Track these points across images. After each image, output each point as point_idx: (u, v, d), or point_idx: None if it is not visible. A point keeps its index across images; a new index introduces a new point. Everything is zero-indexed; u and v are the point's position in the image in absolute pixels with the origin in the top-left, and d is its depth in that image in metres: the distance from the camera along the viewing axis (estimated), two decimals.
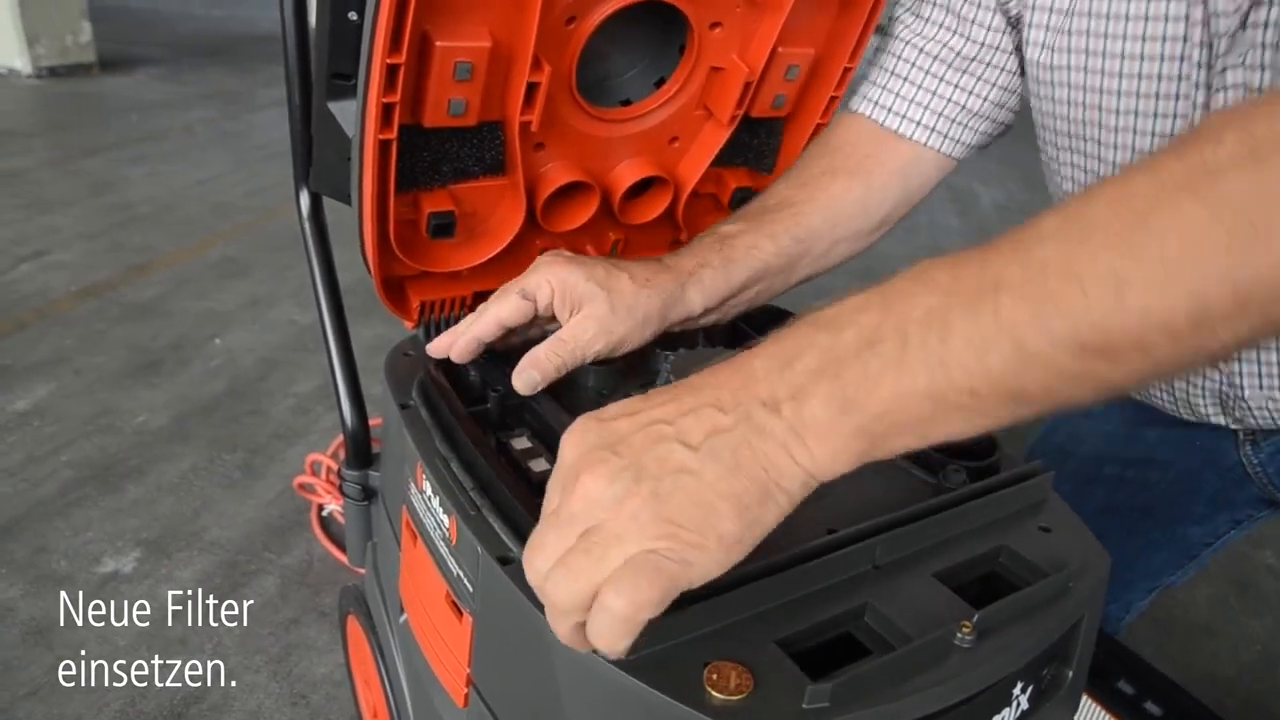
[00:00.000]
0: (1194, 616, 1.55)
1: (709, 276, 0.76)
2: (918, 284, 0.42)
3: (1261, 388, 0.81)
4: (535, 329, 0.76)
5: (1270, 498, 0.90)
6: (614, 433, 0.45)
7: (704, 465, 0.42)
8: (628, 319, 0.71)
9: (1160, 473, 0.95)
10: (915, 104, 0.83)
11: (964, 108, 0.83)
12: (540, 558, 0.44)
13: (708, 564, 0.43)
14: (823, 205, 0.82)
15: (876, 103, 0.84)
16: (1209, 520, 0.95)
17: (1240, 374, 0.81)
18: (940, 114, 0.83)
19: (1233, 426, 0.88)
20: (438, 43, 0.65)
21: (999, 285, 0.39)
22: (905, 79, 0.83)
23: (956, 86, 0.82)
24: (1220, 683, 1.41)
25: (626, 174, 0.85)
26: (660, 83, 0.83)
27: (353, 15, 0.68)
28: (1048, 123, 0.81)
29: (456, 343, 0.74)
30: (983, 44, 0.81)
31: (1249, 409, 0.83)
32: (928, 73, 0.83)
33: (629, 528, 0.42)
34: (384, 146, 0.68)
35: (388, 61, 0.62)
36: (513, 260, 0.86)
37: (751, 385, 0.44)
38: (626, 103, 0.83)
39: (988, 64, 0.82)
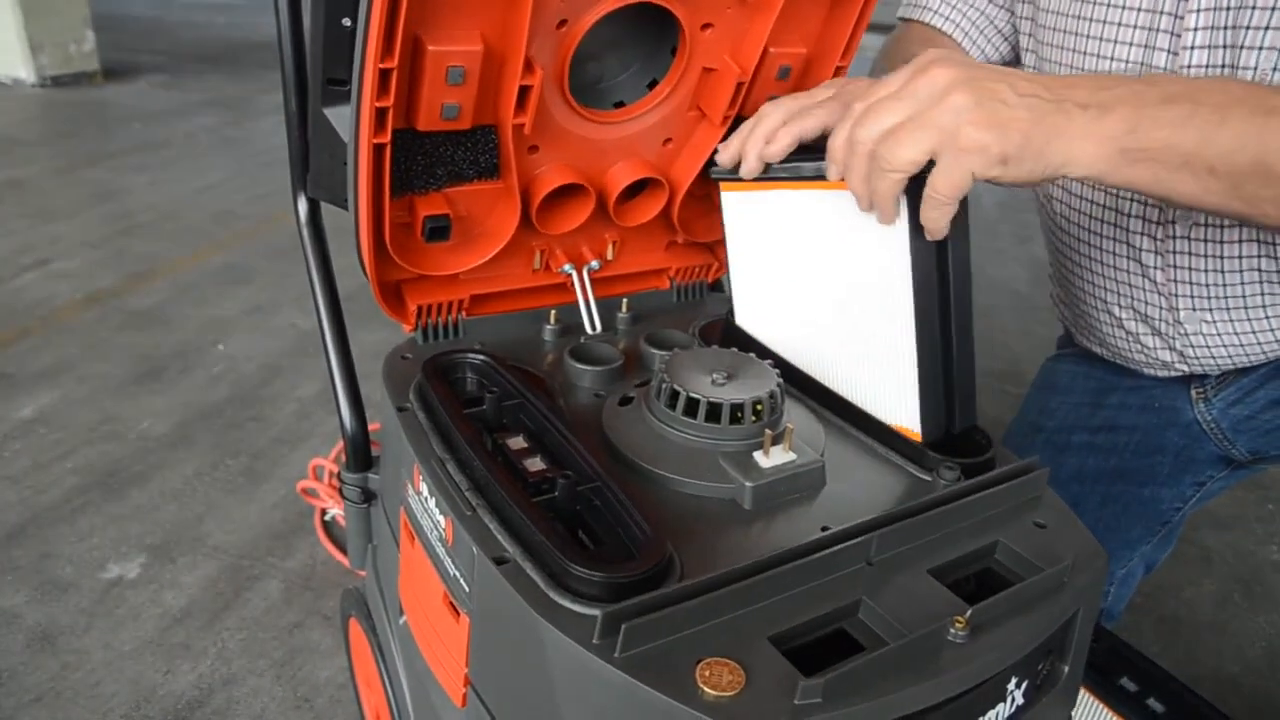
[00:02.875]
0: (1199, 613, 1.55)
1: None
2: (1218, 84, 0.61)
3: (1195, 309, 0.90)
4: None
5: (1227, 454, 0.98)
6: (970, 63, 0.61)
7: (1017, 107, 0.58)
8: None
9: (1126, 436, 1.02)
10: (955, 9, 1.03)
11: (990, 21, 1.03)
12: (877, 122, 0.60)
13: (982, 169, 0.58)
14: None
15: (927, 8, 1.04)
16: (1175, 482, 1.01)
17: (1176, 295, 0.91)
18: (973, 22, 1.03)
19: (1178, 365, 0.96)
20: (430, 47, 0.66)
21: (1273, 110, 0.57)
22: None
23: (977, 3, 1.02)
24: (1224, 680, 1.40)
25: (621, 176, 0.85)
26: (653, 84, 0.83)
27: (346, 21, 0.68)
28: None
29: (776, 143, 0.72)
30: None
31: (1187, 338, 0.92)
32: None
33: (948, 117, 0.57)
34: (378, 150, 0.69)
35: (380, 66, 0.63)
36: (509, 262, 0.87)
37: (1074, 89, 0.59)
38: (620, 105, 0.83)
39: None
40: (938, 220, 0.61)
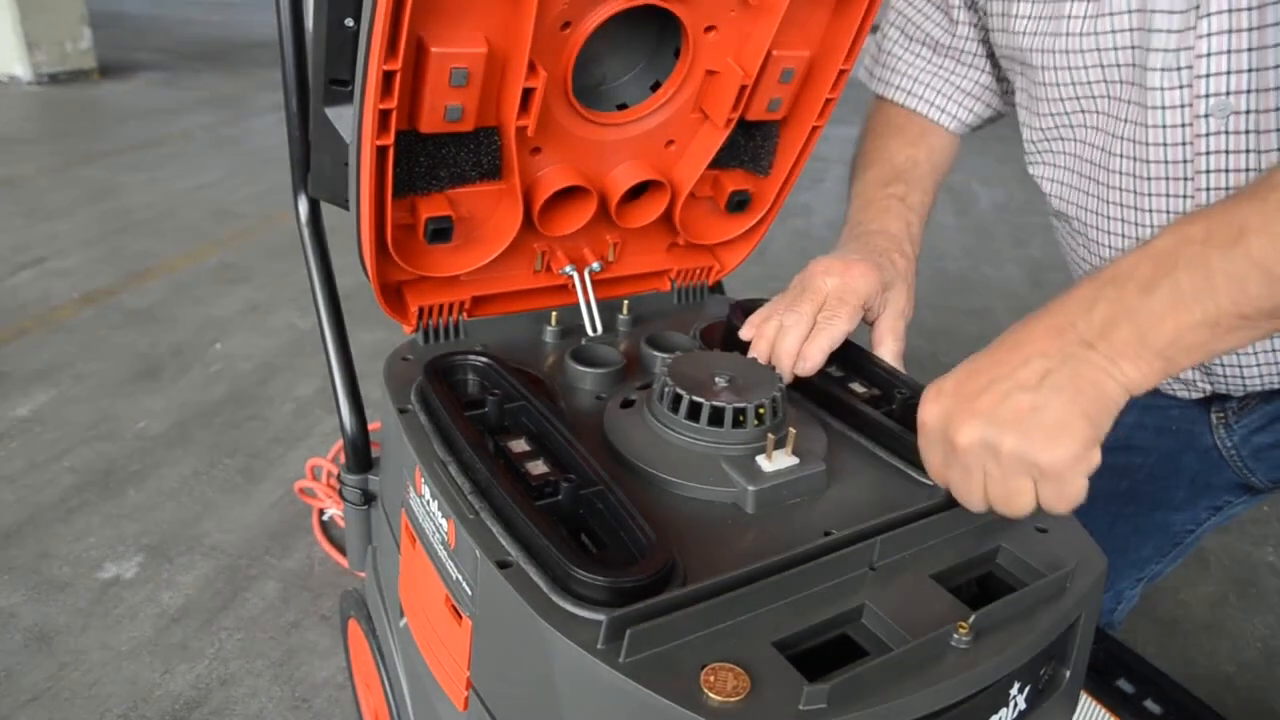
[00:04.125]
0: (1195, 615, 1.55)
1: (915, 234, 0.91)
2: (1176, 239, 0.55)
3: None
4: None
5: (1246, 482, 0.94)
6: (964, 397, 0.57)
7: (1048, 399, 0.55)
8: (910, 289, 0.86)
9: (1141, 457, 0.99)
10: (917, 82, 1.00)
11: (957, 87, 0.99)
12: (971, 496, 0.59)
13: (1078, 465, 0.55)
14: (936, 158, 0.99)
15: (896, 86, 1.01)
16: (1190, 506, 0.98)
17: None
18: (938, 90, 1.00)
19: (1201, 384, 0.92)
20: (433, 49, 0.65)
21: (1244, 230, 0.53)
22: (897, 66, 1.01)
23: (941, 69, 1.00)
24: (1220, 681, 1.41)
25: (623, 177, 0.85)
26: (656, 87, 0.83)
27: (349, 22, 0.68)
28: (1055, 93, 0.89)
29: (811, 358, 0.77)
30: (958, 36, 0.97)
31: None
32: (917, 56, 1.01)
33: (1016, 468, 0.55)
34: (381, 152, 0.68)
35: (384, 68, 0.63)
36: (510, 264, 0.87)
37: (1065, 333, 0.56)
38: (623, 107, 0.83)
39: (964, 52, 0.98)
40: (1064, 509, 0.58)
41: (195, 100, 4.67)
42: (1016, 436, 0.54)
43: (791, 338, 0.78)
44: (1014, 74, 0.94)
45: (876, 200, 0.92)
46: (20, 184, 3.20)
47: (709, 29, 0.78)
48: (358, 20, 0.67)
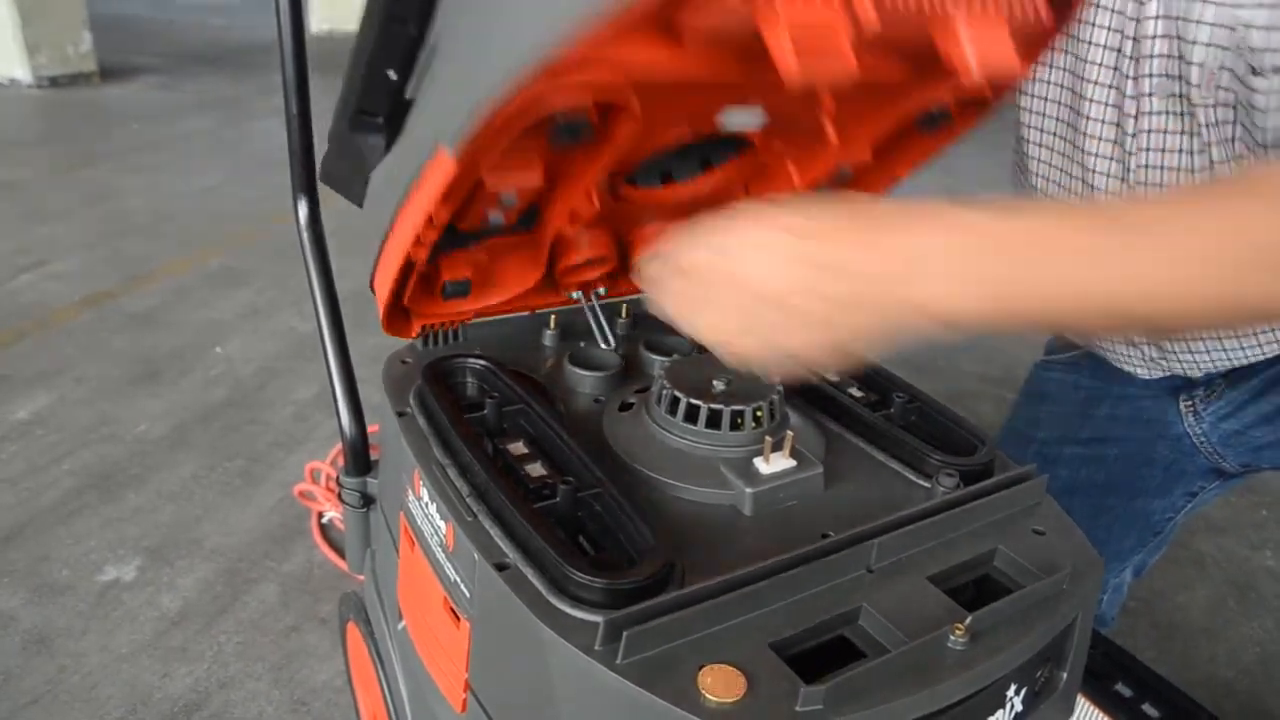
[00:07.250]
0: (1193, 619, 1.55)
1: None
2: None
3: None
4: None
5: (1217, 466, 0.97)
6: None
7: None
8: None
9: (1116, 448, 1.01)
10: None
11: None
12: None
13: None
14: None
15: None
16: (1166, 493, 1.00)
17: None
18: None
19: (1160, 362, 0.93)
20: (487, 177, 0.65)
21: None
22: None
23: None
24: (1219, 685, 1.41)
25: (652, 236, 0.84)
26: (705, 164, 0.81)
27: (392, 75, 0.62)
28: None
29: None
30: None
31: None
32: None
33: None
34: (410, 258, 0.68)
35: (431, 214, 0.62)
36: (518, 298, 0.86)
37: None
38: (668, 176, 0.82)
39: None
40: None
41: (195, 103, 4.68)
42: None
43: None
44: None
45: None
46: (20, 187, 3.20)
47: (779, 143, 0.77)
48: (400, 75, 0.61)
